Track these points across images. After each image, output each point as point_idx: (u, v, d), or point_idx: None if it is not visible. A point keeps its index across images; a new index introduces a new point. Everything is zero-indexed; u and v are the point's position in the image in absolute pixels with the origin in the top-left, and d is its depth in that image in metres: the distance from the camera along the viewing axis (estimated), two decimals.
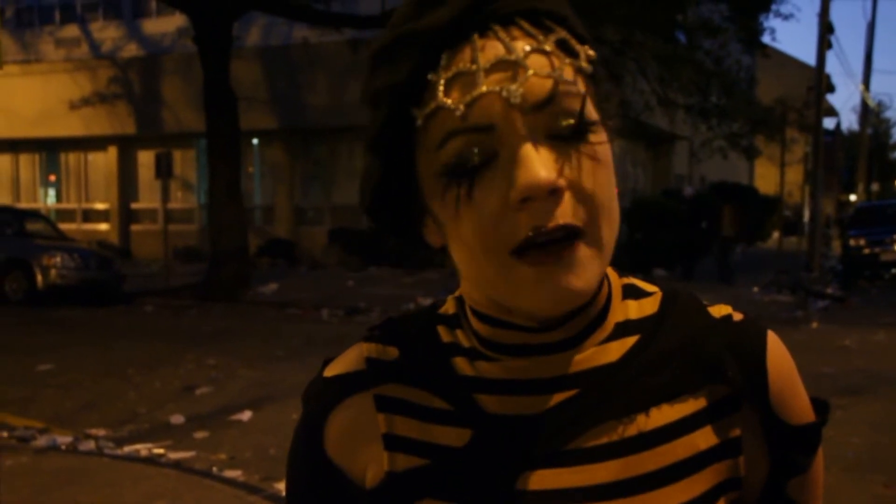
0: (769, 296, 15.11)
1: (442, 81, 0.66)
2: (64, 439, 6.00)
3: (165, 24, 22.28)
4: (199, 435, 6.17)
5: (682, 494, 0.72)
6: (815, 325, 11.89)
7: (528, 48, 0.66)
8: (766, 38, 17.11)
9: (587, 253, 0.67)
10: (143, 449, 5.85)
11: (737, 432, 0.75)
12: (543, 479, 0.71)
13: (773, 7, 16.09)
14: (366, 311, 12.76)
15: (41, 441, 5.94)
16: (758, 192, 29.45)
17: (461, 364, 0.76)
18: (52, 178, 24.79)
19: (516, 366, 0.74)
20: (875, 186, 51.66)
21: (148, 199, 22.94)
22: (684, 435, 0.73)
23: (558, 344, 0.73)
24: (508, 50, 0.65)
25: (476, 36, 0.66)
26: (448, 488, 0.73)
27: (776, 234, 22.71)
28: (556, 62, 0.66)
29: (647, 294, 0.79)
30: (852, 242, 18.70)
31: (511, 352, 0.74)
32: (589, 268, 0.67)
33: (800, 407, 0.77)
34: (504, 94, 0.64)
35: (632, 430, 0.72)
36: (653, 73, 15.67)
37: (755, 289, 15.90)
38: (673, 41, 15.46)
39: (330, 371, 0.80)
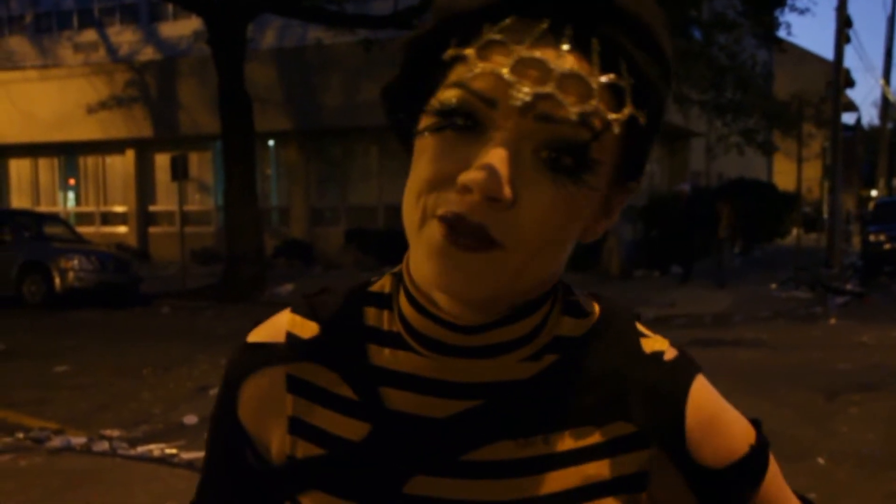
0: (787, 292, 15.00)
1: (487, 38, 0.64)
2: (78, 440, 6.04)
3: (182, 28, 22.40)
4: None
5: None
6: (833, 321, 11.80)
7: (574, 69, 0.63)
8: (781, 33, 17.04)
9: (493, 269, 0.64)
10: (156, 449, 5.88)
11: (641, 468, 0.73)
12: (430, 486, 0.70)
13: (789, 2, 15.96)
14: None
15: (56, 442, 5.98)
16: (776, 189, 29.25)
17: (376, 352, 0.74)
18: (72, 181, 24.98)
19: (431, 364, 0.72)
20: None
21: (165, 201, 23.07)
22: (581, 464, 0.72)
23: (475, 350, 0.71)
24: (557, 58, 0.63)
25: (547, 23, 0.63)
26: (338, 482, 0.72)
27: (795, 231, 22.54)
28: (591, 101, 0.63)
29: (586, 314, 0.76)
30: (872, 238, 18.51)
31: (431, 346, 0.72)
32: (499, 275, 0.65)
33: (726, 448, 0.75)
34: (512, 89, 0.63)
35: (528, 452, 0.71)
36: None
37: (773, 286, 15.80)
38: (687, 37, 15.37)
39: (252, 336, 0.79)
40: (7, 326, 11.52)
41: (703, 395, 0.75)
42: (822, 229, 25.89)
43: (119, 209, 24.04)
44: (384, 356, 0.74)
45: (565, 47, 0.63)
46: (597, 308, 0.77)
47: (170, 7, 22.42)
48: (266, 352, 0.77)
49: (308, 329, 0.77)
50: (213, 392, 8.25)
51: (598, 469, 0.72)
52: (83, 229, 20.60)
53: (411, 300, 0.73)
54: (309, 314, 0.78)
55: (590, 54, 0.63)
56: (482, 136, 0.64)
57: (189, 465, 5.49)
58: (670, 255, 17.02)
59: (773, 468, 0.78)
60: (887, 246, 18.10)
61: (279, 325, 0.79)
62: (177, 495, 4.81)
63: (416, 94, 0.69)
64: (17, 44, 25.23)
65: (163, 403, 7.22)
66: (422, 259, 0.66)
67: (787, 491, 0.79)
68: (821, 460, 5.40)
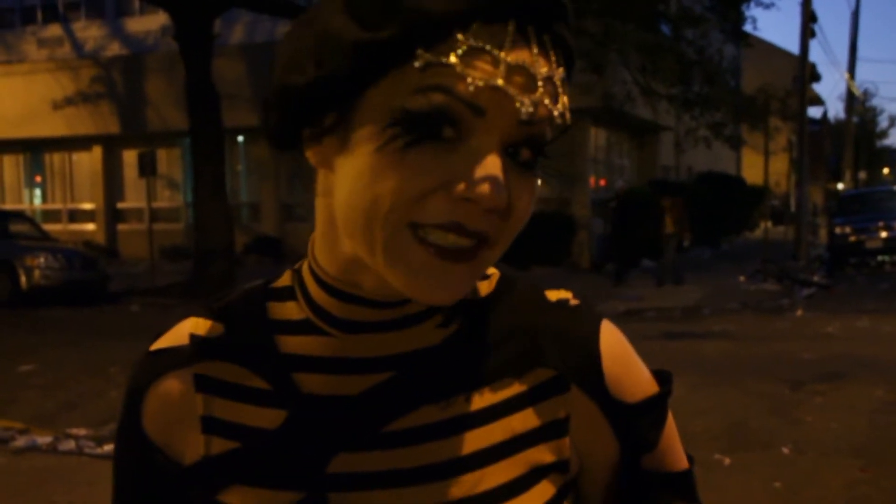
0: (755, 285, 15.16)
1: (466, 45, 0.61)
2: (44, 439, 5.98)
3: (149, 23, 22.18)
4: None
5: (499, 476, 0.71)
6: (799, 312, 11.94)
7: (546, 72, 0.64)
8: (748, 28, 17.14)
9: (479, 264, 0.66)
10: None
11: (562, 414, 0.74)
12: (354, 462, 0.70)
13: None
14: None
15: (20, 441, 5.92)
16: (744, 182, 29.52)
17: (285, 341, 0.74)
18: (38, 178, 24.68)
19: (341, 343, 0.72)
20: (862, 174, 51.85)
21: (134, 198, 22.85)
22: (503, 417, 0.72)
23: (391, 323, 0.72)
24: (533, 63, 0.63)
25: (513, 25, 0.62)
26: (257, 473, 0.71)
27: (763, 224, 22.78)
28: (556, 97, 0.65)
29: (486, 277, 0.77)
30: (838, 230, 18.78)
31: (342, 326, 0.72)
32: (472, 277, 0.66)
33: (640, 385, 0.77)
34: (518, 103, 0.62)
35: (449, 414, 0.71)
36: (635, 64, 15.68)
37: (741, 278, 15.96)
38: (655, 31, 15.46)
39: (156, 345, 0.78)
40: None
41: (613, 334, 0.77)
42: (789, 222, 26.19)
43: (86, 206, 23.78)
44: (292, 344, 0.74)
45: (535, 50, 0.64)
46: (496, 270, 0.78)
47: (136, 2, 22.18)
48: (170, 356, 0.76)
49: (212, 329, 0.76)
50: None
51: (523, 420, 0.73)
52: (50, 227, 20.36)
53: (325, 287, 0.72)
54: (211, 316, 0.77)
55: (548, 51, 0.65)
56: (462, 144, 0.63)
57: None
58: (642, 247, 17.11)
59: (672, 420, 0.80)
60: (852, 238, 18.37)
61: (181, 331, 0.77)
62: None
63: (336, 97, 0.65)
64: None
65: None
66: (401, 276, 0.64)
67: (679, 444, 0.81)
68: (785, 450, 5.46)
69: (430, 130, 0.62)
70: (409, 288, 0.64)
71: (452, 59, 0.61)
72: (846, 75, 34.67)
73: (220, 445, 0.73)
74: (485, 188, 0.61)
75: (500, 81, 0.61)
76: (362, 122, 0.64)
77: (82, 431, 6.22)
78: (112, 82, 22.43)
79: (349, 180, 0.64)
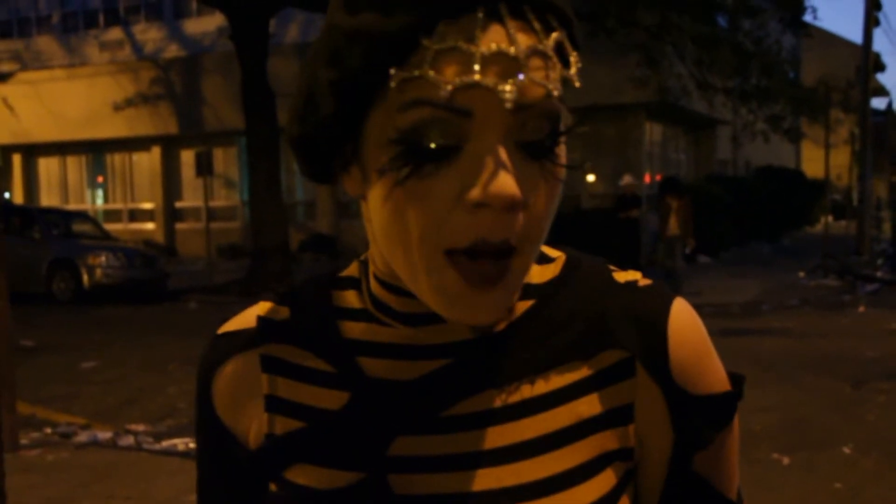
0: (815, 280, 14.85)
1: (434, 50, 0.60)
2: (104, 435, 6.11)
3: (206, 24, 22.54)
4: None
5: (562, 462, 0.69)
6: (862, 309, 11.66)
7: (529, 45, 0.61)
8: (808, 18, 16.80)
9: (513, 277, 0.64)
10: (180, 443, 5.93)
11: (628, 400, 0.71)
12: (414, 445, 0.70)
13: None
14: None
15: (82, 437, 6.05)
16: (804, 176, 28.95)
17: (349, 327, 0.74)
18: (100, 179, 25.25)
19: (404, 332, 0.72)
20: None
21: (191, 197, 23.24)
22: (568, 402, 0.70)
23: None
24: (510, 42, 0.60)
25: (482, 12, 0.60)
26: (320, 452, 0.72)
27: (824, 218, 22.33)
28: (552, 70, 0.62)
29: (551, 260, 0.76)
30: None
31: (402, 319, 0.72)
32: (510, 295, 0.65)
33: (707, 378, 0.73)
34: (498, 93, 0.59)
35: (512, 399, 0.70)
36: (690, 57, 15.44)
37: (801, 273, 15.65)
38: (711, 23, 15.21)
39: (223, 328, 0.79)
40: (37, 323, 11.66)
41: (685, 316, 0.73)
42: (851, 216, 25.59)
43: (146, 206, 24.26)
44: (356, 330, 0.74)
45: (512, 29, 0.60)
46: (561, 253, 0.77)
47: (193, 3, 22.54)
48: (237, 338, 0.77)
49: (279, 313, 0.77)
50: None
51: (589, 404, 0.71)
52: (111, 226, 20.82)
53: (382, 283, 0.73)
54: (279, 301, 0.79)
55: (529, 22, 0.61)
56: (463, 151, 0.61)
57: None
58: (701, 243, 16.79)
59: (736, 430, 0.76)
60: None
61: (249, 315, 0.79)
62: None
63: (343, 130, 0.66)
64: (45, 43, 25.51)
65: (188, 398, 7.28)
66: (441, 306, 0.65)
67: (737, 468, 0.77)
68: (847, 449, 5.34)
69: (428, 150, 0.61)
70: (449, 314, 0.65)
71: (422, 69, 0.60)
72: None
73: (283, 424, 0.74)
74: (493, 187, 0.60)
75: (475, 77, 0.59)
76: (370, 151, 0.64)
77: (141, 427, 6.33)
78: (170, 83, 22.84)
79: (377, 212, 0.65)
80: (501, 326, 0.72)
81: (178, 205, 23.88)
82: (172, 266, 17.77)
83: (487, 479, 0.68)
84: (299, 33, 21.41)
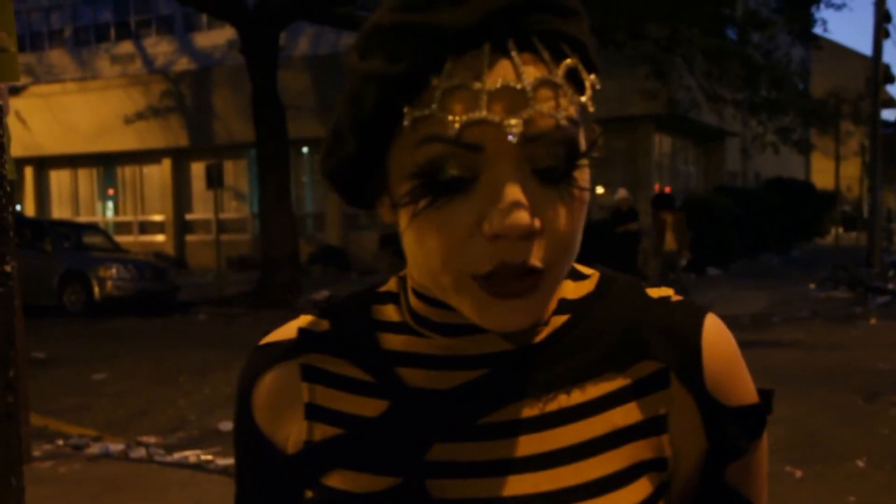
0: (826, 292, 14.80)
1: (442, 89, 0.62)
2: (116, 447, 6.11)
3: (216, 37, 22.66)
4: None
5: (597, 470, 0.71)
6: (873, 321, 11.61)
7: (538, 77, 0.62)
8: (817, 30, 16.81)
9: (543, 291, 0.67)
10: (192, 455, 5.93)
11: (662, 410, 0.73)
12: (451, 452, 0.72)
13: None
14: None
15: (94, 449, 6.06)
16: (814, 187, 28.88)
17: (388, 339, 0.77)
18: (111, 191, 25.36)
19: (443, 343, 0.74)
20: None
21: (202, 209, 23.33)
22: (603, 412, 0.72)
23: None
24: (518, 76, 0.62)
25: (488, 48, 0.62)
26: (359, 458, 0.73)
27: (834, 230, 22.26)
28: (563, 99, 0.64)
29: (585, 276, 0.79)
30: None
31: (441, 330, 0.74)
32: (541, 304, 0.67)
33: (740, 390, 0.75)
34: (504, 127, 0.62)
35: (550, 408, 0.72)
36: (700, 69, 15.46)
37: (811, 285, 15.59)
38: (720, 36, 15.22)
39: (264, 340, 0.81)
40: (48, 335, 11.70)
41: (718, 329, 0.76)
42: (861, 228, 25.50)
43: (156, 218, 24.35)
44: (395, 342, 0.76)
45: (518, 61, 0.62)
46: (595, 271, 0.80)
47: (204, 17, 22.68)
48: (278, 348, 0.79)
49: (319, 325, 0.80)
50: None
51: (624, 414, 0.73)
52: (122, 238, 20.90)
53: (420, 296, 0.75)
54: (319, 313, 0.81)
55: (538, 53, 0.63)
56: (478, 182, 0.64)
57: (224, 471, 5.54)
58: (710, 255, 16.78)
59: (766, 444, 0.78)
60: None
61: (290, 327, 0.81)
62: (212, 501, 4.86)
63: (371, 163, 0.70)
64: (57, 57, 25.69)
65: (199, 410, 7.29)
66: (473, 315, 0.68)
67: (765, 471, 0.79)
68: (860, 462, 5.31)
69: (440, 185, 0.64)
70: (480, 321, 0.67)
71: (432, 107, 0.62)
72: None
73: (322, 431, 0.75)
74: (506, 220, 0.62)
75: (482, 113, 0.61)
76: (394, 184, 0.68)
77: (152, 439, 6.34)
78: (181, 96, 22.96)
79: (405, 238, 0.69)
80: (538, 339, 0.74)
81: (189, 217, 23.96)
82: (182, 278, 17.82)
83: (524, 484, 0.70)
84: (309, 46, 21.52)
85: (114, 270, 14.52)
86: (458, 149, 0.62)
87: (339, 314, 0.80)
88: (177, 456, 5.92)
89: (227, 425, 6.68)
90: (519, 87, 0.62)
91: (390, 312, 0.78)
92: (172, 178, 23.83)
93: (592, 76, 0.67)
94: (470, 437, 0.72)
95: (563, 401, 0.72)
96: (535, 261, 0.64)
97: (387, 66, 0.64)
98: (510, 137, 0.62)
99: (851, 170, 32.97)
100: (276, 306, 14.21)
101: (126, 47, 24.63)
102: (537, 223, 0.63)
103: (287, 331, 0.81)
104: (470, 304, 0.67)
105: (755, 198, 22.00)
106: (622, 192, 13.98)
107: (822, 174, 35.49)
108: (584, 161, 0.67)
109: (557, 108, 0.63)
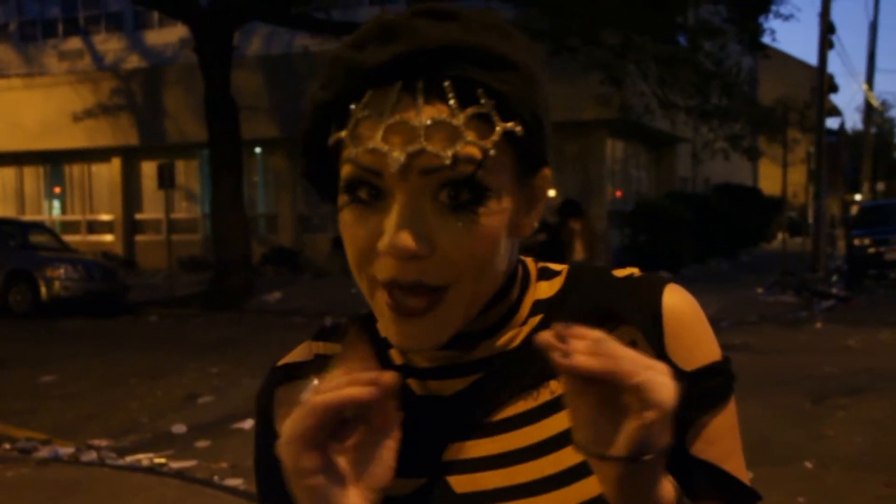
0: (774, 297, 15.08)
1: (355, 118, 0.71)
2: (66, 450, 6.01)
3: (167, 36, 22.38)
4: (201, 444, 6.17)
5: None
6: (819, 325, 11.86)
7: (436, 116, 0.69)
8: (766, 39, 17.07)
9: (446, 310, 0.73)
10: (144, 459, 5.86)
11: None
12: (465, 450, 0.79)
13: (773, 8, 16.07)
14: None
15: (43, 452, 5.95)
16: (761, 193, 29.42)
17: (394, 355, 0.83)
18: (57, 190, 24.88)
19: (437, 355, 0.80)
20: (880, 186, 51.46)
21: (152, 209, 23.01)
22: None
23: (473, 335, 0.79)
24: (416, 114, 0.69)
25: (400, 85, 0.70)
26: None
27: (781, 235, 22.69)
28: (460, 141, 0.69)
29: (556, 273, 0.85)
30: (857, 242, 18.62)
31: None
32: (442, 323, 0.73)
33: (702, 352, 0.79)
34: (388, 158, 0.69)
35: (544, 397, 0.79)
36: (653, 76, 15.66)
37: (759, 290, 15.87)
38: (673, 43, 15.43)
39: (281, 362, 0.87)
40: None
41: (678, 294, 0.81)
42: (807, 234, 26.03)
43: (105, 217, 23.95)
44: (401, 357, 0.83)
45: (420, 101, 0.69)
46: (565, 266, 0.86)
47: (155, 15, 22.38)
48: (297, 368, 0.84)
49: (332, 349, 0.84)
50: (202, 401, 8.20)
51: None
52: (69, 238, 20.50)
53: None
54: (330, 338, 0.86)
55: (446, 97, 0.69)
56: (383, 202, 0.71)
57: (178, 474, 5.48)
58: (659, 259, 16.98)
59: (733, 418, 0.80)
60: (872, 250, 18.21)
61: (304, 352, 0.87)
62: None
63: (328, 172, 0.77)
64: (2, 52, 25.15)
65: (151, 412, 7.19)
66: (384, 327, 0.75)
67: (738, 445, 0.81)
68: (808, 464, 5.43)
69: (357, 196, 0.72)
70: (389, 335, 0.75)
71: (343, 133, 0.71)
72: (864, 86, 34.51)
73: None
74: (393, 241, 0.69)
75: (378, 143, 0.69)
76: (339, 191, 0.75)
77: (104, 442, 6.24)
78: (131, 94, 22.62)
79: None
80: (518, 341, 0.81)
81: (138, 216, 23.61)
82: (132, 279, 17.54)
83: (532, 470, 0.77)
84: (262, 46, 21.35)
85: (62, 270, 14.24)
86: (361, 171, 0.71)
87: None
88: (129, 459, 5.84)
89: (180, 428, 6.60)
90: (414, 124, 0.69)
91: None
92: (122, 178, 23.45)
93: (510, 123, 0.71)
94: (477, 434, 0.79)
95: (554, 389, 0.78)
96: (434, 280, 0.71)
97: (320, 92, 0.74)
98: (392, 168, 0.69)
99: (797, 177, 33.64)
100: (229, 308, 14.08)
101: (74, 43, 24.21)
102: (423, 248, 0.70)
103: (300, 353, 0.87)
104: (380, 317, 0.75)
105: (706, 203, 22.34)
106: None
107: (768, 180, 36.18)
108: (495, 197, 0.71)
109: (448, 148, 0.68)
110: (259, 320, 13.27)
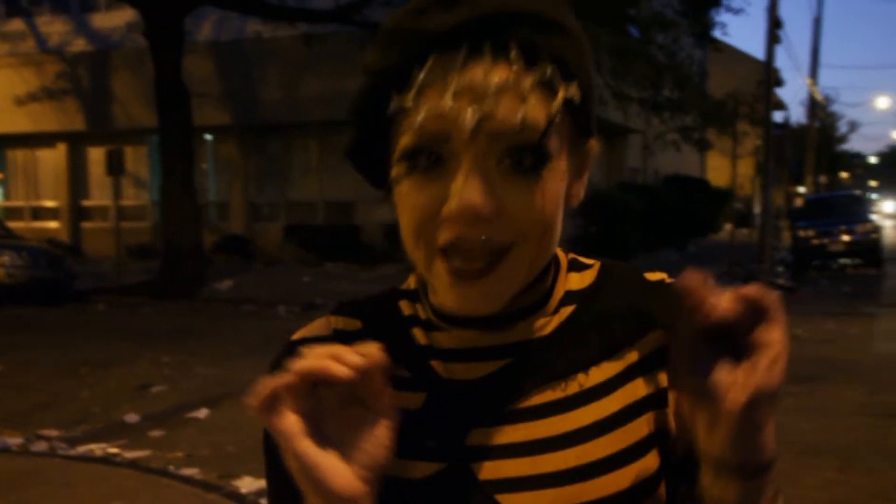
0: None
1: (417, 86, 0.70)
2: (15, 441, 5.89)
3: (114, 19, 21.91)
4: (155, 434, 6.10)
5: (616, 444, 0.77)
6: None
7: (504, 79, 0.68)
8: (717, 33, 17.32)
9: (509, 268, 0.72)
10: (97, 449, 5.77)
11: (665, 383, 0.79)
12: (487, 436, 0.78)
13: (724, 2, 16.27)
14: (323, 308, 12.67)
15: None
16: (709, 185, 29.86)
17: (418, 334, 0.82)
18: (0, 175, 24.28)
19: (465, 336, 0.80)
20: (823, 179, 52.61)
21: (99, 196, 22.58)
22: (619, 388, 0.79)
23: (503, 317, 0.79)
24: (485, 77, 0.68)
25: (465, 49, 0.69)
26: (405, 446, 0.76)
27: (728, 226, 23.06)
28: (526, 104, 0.69)
29: (588, 267, 0.86)
30: (801, 234, 19.03)
31: (460, 323, 0.80)
32: (500, 286, 0.73)
33: None
34: (459, 120, 0.68)
35: (572, 389, 0.79)
36: (606, 67, 15.79)
37: None
38: (626, 35, 15.55)
39: (297, 335, 0.86)
40: None
41: None
42: (753, 225, 26.49)
43: (50, 204, 23.44)
44: (426, 338, 0.82)
45: (488, 63, 0.69)
46: (596, 261, 0.87)
47: None
48: (312, 342, 0.79)
49: (353, 325, 0.84)
50: (155, 390, 8.10)
51: (636, 388, 0.79)
52: (12, 224, 20.02)
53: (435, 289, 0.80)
54: (350, 313, 0.85)
55: (510, 62, 0.69)
56: (445, 168, 0.71)
57: (132, 464, 5.40)
58: (611, 249, 17.14)
59: None
60: (816, 241, 18.63)
61: (322, 325, 0.85)
62: (123, 495, 4.73)
63: (379, 146, 0.76)
64: None
65: (103, 402, 7.08)
66: (441, 294, 0.75)
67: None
68: None
69: (418, 164, 0.71)
70: (447, 301, 0.74)
71: (408, 98, 0.70)
72: (808, 81, 35.17)
73: None
74: (460, 203, 0.69)
75: (446, 107, 0.68)
76: (393, 162, 0.75)
77: (55, 433, 6.13)
78: (77, 78, 22.13)
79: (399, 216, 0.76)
80: (550, 329, 0.81)
81: (85, 203, 23.15)
82: (78, 266, 17.18)
83: (555, 461, 0.77)
84: (212, 32, 21.03)
85: (6, 257, 13.89)
86: (427, 137, 0.70)
87: (367, 314, 0.85)
88: (81, 450, 5.75)
89: (132, 418, 6.50)
90: (483, 86, 0.68)
91: (416, 309, 0.84)
92: (68, 163, 22.95)
93: (572, 87, 0.72)
94: (502, 421, 0.78)
95: (582, 382, 0.79)
96: (501, 237, 0.71)
97: (381, 59, 0.72)
98: (464, 131, 0.68)
99: (744, 169, 34.22)
100: (180, 296, 13.89)
101: (16, 25, 23.55)
102: (489, 209, 0.69)
103: (318, 328, 0.85)
104: (438, 284, 0.74)
105: (656, 194, 22.61)
106: None
107: (716, 172, 36.74)
108: (556, 162, 0.72)
109: (517, 112, 0.69)
110: (211, 309, 13.12)
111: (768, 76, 19.95)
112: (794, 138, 38.82)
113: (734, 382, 0.65)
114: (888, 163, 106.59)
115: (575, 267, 0.85)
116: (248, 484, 4.97)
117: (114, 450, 5.73)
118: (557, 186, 0.73)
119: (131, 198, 22.55)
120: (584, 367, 0.79)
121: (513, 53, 0.69)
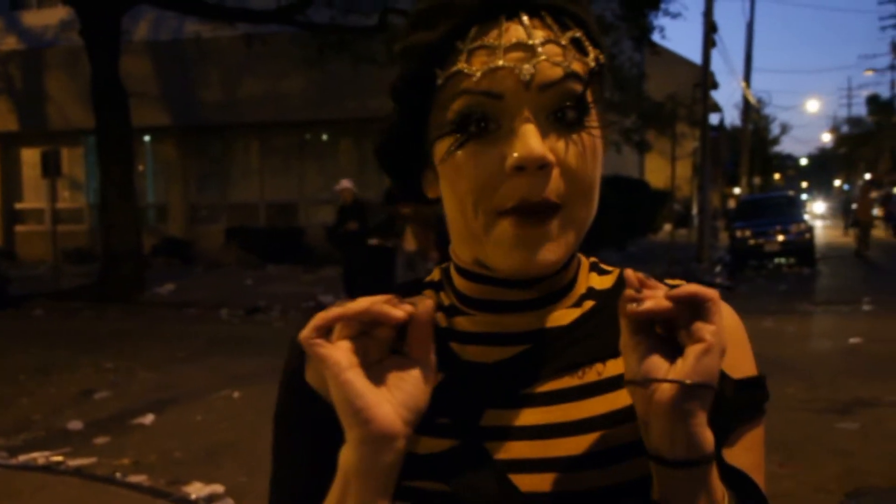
0: None
1: (466, 50, 0.75)
2: None
3: (47, 17, 21.40)
4: (100, 440, 5.98)
5: (629, 435, 0.78)
6: None
7: (545, 36, 0.75)
8: (655, 37, 17.57)
9: (560, 228, 0.76)
10: (40, 457, 5.63)
11: None
12: (502, 417, 0.80)
13: (663, 6, 16.54)
14: (266, 310, 12.58)
15: None
16: (648, 186, 30.29)
17: (440, 318, 0.85)
18: None
19: (487, 320, 0.83)
20: (757, 180, 53.80)
21: (33, 198, 22.04)
22: None
23: (527, 303, 0.82)
24: (528, 35, 0.74)
25: (504, 18, 0.75)
26: (423, 423, 0.77)
27: (667, 226, 23.45)
28: (567, 55, 0.75)
29: (608, 272, 0.90)
30: (738, 234, 19.44)
31: (484, 307, 0.83)
32: (560, 242, 0.76)
33: (744, 364, 0.84)
34: (517, 71, 0.73)
35: (590, 377, 0.81)
36: None
37: None
38: None
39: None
40: None
41: (726, 311, 0.83)
42: (691, 225, 26.97)
43: None
44: (447, 322, 0.85)
45: (529, 25, 0.75)
46: (616, 269, 0.90)
47: None
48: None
49: None
50: (99, 396, 7.93)
51: None
52: None
53: (465, 274, 0.84)
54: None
55: (546, 23, 0.76)
56: (501, 129, 0.75)
57: (77, 472, 5.29)
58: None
59: (763, 434, 0.86)
60: (752, 241, 19.06)
61: None
62: (68, 503, 4.64)
63: (417, 134, 0.81)
64: None
65: (44, 409, 6.91)
66: (501, 256, 0.77)
67: (763, 466, 0.86)
68: None
69: (469, 132, 0.75)
70: (508, 261, 0.76)
71: (458, 65, 0.75)
72: (742, 84, 35.94)
73: None
74: (524, 150, 0.72)
75: (500, 61, 0.74)
76: (434, 150, 0.79)
77: None
78: (9, 78, 21.57)
79: (443, 192, 0.80)
80: (572, 319, 0.84)
81: (18, 206, 22.57)
82: (12, 270, 16.75)
83: (567, 446, 0.79)
84: (150, 31, 20.67)
85: None
86: (482, 97, 0.74)
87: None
88: (23, 458, 5.61)
89: (76, 425, 6.37)
90: (530, 42, 0.74)
91: (439, 297, 0.87)
92: (0, 165, 22.37)
93: (597, 49, 0.78)
94: (518, 404, 0.80)
95: (599, 371, 0.82)
96: (552, 196, 0.74)
97: (424, 35, 0.77)
98: (524, 79, 0.73)
99: (682, 170, 34.79)
100: (119, 300, 13.63)
101: None
102: (551, 156, 0.73)
103: None
104: (498, 249, 0.76)
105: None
106: (344, 183, 11.82)
107: (654, 173, 37.28)
108: (594, 118, 0.77)
109: (563, 60, 0.75)
110: (152, 313, 12.90)
111: (705, 79, 20.34)
112: (729, 140, 39.61)
113: (663, 373, 0.70)
114: (818, 164, 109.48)
115: (596, 269, 0.89)
116: (198, 489, 4.91)
117: (57, 458, 5.60)
118: (596, 143, 0.78)
119: (67, 200, 22.07)
120: (602, 359, 0.82)
121: (548, 18, 0.76)
